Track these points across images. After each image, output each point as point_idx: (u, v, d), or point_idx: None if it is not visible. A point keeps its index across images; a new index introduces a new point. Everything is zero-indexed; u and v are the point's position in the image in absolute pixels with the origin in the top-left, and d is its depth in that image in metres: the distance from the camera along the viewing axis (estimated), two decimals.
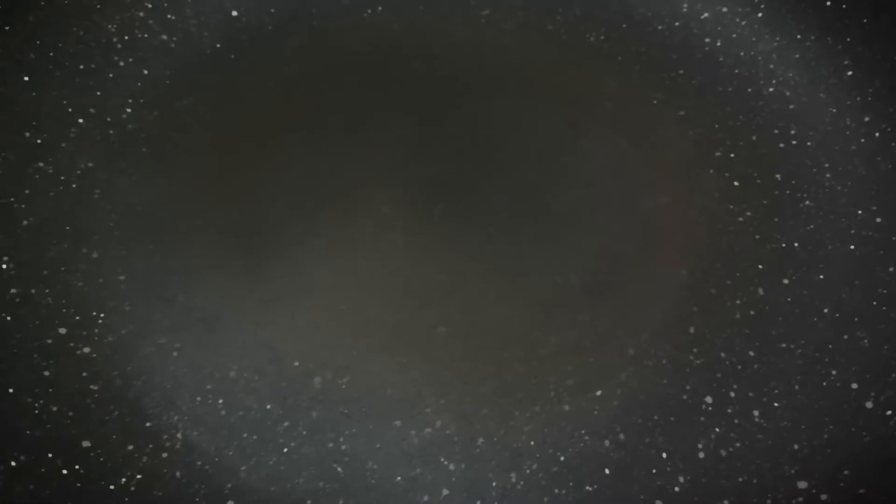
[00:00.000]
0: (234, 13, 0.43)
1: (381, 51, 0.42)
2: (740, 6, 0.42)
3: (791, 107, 0.40)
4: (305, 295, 0.36)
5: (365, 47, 0.42)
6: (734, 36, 0.41)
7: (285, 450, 0.33)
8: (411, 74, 0.41)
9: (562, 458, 0.33)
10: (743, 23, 0.41)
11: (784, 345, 0.35)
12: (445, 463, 0.33)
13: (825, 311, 0.36)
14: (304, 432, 0.33)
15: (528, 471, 0.33)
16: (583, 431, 0.33)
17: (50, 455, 0.31)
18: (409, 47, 0.42)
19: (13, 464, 0.30)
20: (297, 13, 0.43)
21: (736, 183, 0.38)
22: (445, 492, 0.32)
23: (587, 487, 0.33)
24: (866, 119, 0.39)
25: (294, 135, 0.40)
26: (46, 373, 0.33)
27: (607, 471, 0.33)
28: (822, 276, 0.36)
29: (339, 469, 0.33)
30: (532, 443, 0.33)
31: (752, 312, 0.36)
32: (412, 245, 0.37)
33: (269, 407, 0.33)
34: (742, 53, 0.41)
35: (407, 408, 0.34)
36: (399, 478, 0.33)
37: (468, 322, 0.35)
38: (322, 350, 0.34)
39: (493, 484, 0.33)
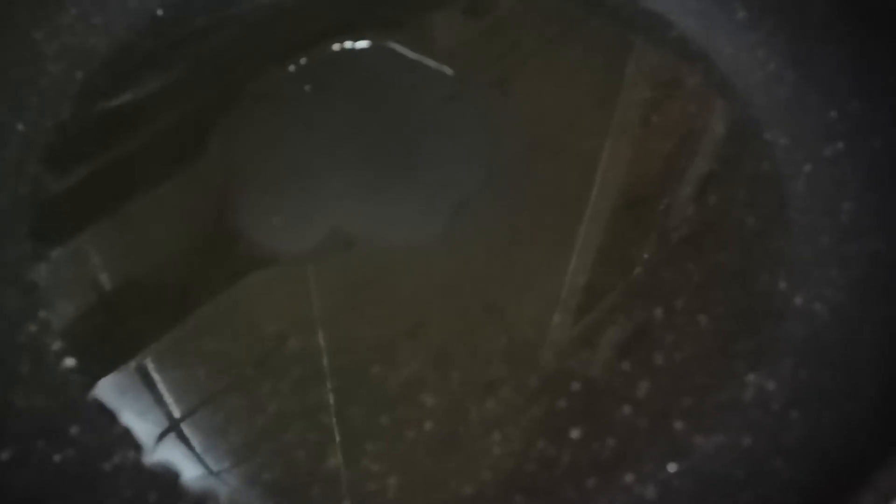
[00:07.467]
0: (160, 12, 0.44)
1: (313, 36, 0.43)
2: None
3: None
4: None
5: (295, 35, 0.43)
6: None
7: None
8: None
9: None
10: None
11: None
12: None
13: None
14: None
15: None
16: None
17: (39, 445, 0.31)
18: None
19: (4, 458, 0.31)
20: (225, 6, 0.44)
21: None
22: None
23: None
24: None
25: (233, 122, 0.41)
26: (23, 370, 0.33)
27: None
28: None
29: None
30: None
31: None
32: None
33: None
34: None
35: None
36: None
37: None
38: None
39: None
